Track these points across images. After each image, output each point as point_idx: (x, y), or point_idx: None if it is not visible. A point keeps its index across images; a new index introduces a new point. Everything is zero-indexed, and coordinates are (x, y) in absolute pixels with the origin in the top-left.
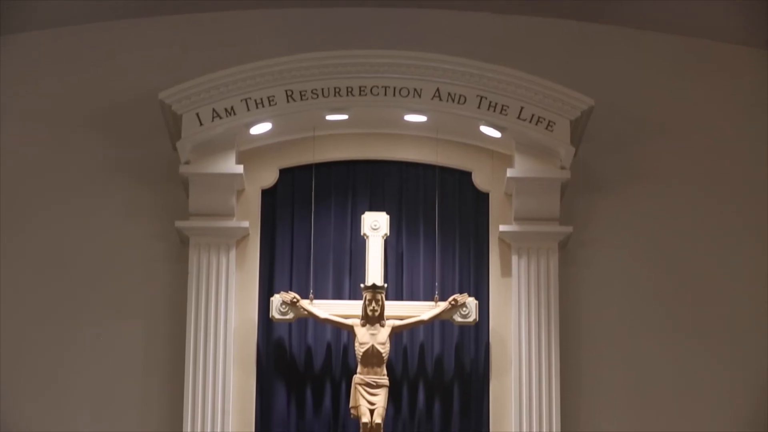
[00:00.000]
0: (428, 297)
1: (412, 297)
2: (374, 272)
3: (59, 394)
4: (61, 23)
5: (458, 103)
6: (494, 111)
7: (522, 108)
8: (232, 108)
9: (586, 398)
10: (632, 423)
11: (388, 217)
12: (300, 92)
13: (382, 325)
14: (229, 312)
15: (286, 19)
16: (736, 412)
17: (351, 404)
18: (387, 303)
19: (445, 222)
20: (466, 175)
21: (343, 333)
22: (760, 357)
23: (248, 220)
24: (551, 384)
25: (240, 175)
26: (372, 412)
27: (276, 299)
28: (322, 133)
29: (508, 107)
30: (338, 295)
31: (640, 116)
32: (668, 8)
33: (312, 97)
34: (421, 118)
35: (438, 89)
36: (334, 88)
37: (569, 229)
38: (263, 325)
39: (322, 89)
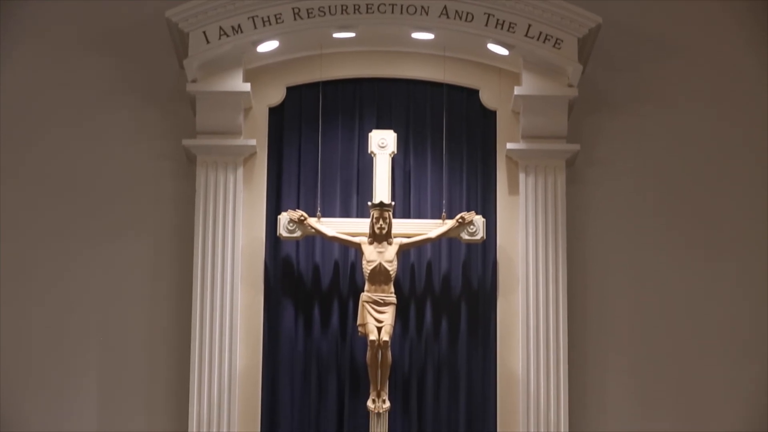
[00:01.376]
0: (435, 215)
1: (420, 215)
2: (381, 190)
3: (65, 311)
4: None
5: (465, 20)
6: (501, 29)
7: (529, 26)
8: (239, 26)
9: (593, 316)
10: (640, 339)
11: (395, 135)
12: (307, 10)
13: (390, 243)
14: (236, 230)
15: None
16: (739, 319)
17: (358, 322)
18: (394, 221)
19: (453, 140)
20: (473, 93)
21: (350, 251)
22: (762, 270)
23: (255, 139)
24: (558, 301)
25: (247, 93)
26: (379, 329)
27: (283, 217)
28: (329, 51)
29: (515, 25)
30: (346, 213)
31: (649, 34)
32: None
33: (319, 15)
34: (428, 36)
35: (445, 7)
36: (341, 6)
37: (576, 147)
38: (270, 243)
39: (329, 7)
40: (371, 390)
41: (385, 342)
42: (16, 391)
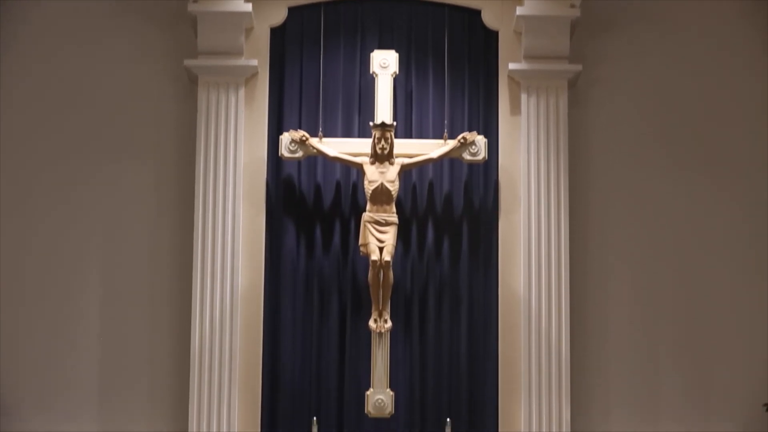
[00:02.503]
0: (437, 135)
1: (421, 135)
2: (383, 110)
3: (66, 234)
4: None
5: None
6: None
7: None
8: None
9: (595, 235)
10: (642, 257)
11: (397, 55)
12: None
13: (392, 163)
14: (238, 150)
15: None
16: (739, 238)
17: (360, 242)
18: (396, 141)
19: (455, 60)
20: (475, 14)
21: (352, 171)
22: (760, 189)
23: (257, 59)
24: (560, 221)
25: (249, 13)
26: (381, 249)
27: (285, 137)
28: None
29: None
30: (347, 134)
31: None
32: None
33: None
34: None
35: None
36: None
37: (578, 67)
38: (272, 164)
39: None
40: (373, 310)
41: (387, 262)
42: (17, 308)
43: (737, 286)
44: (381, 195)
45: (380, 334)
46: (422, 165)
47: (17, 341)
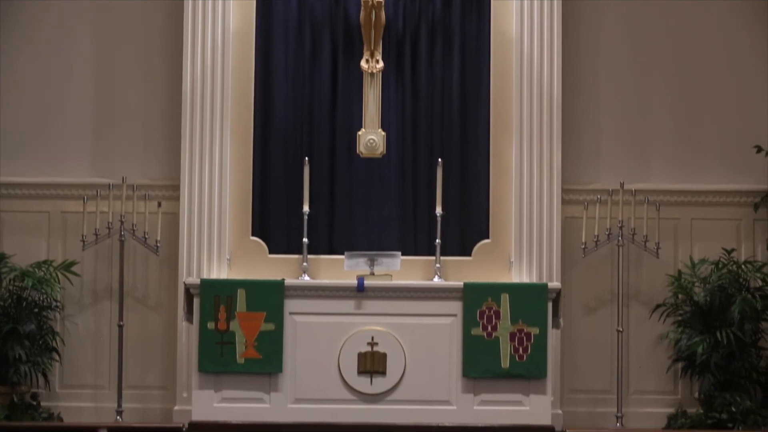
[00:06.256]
0: None
1: None
2: None
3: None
4: None
5: None
6: None
7: None
8: None
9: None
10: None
11: None
12: None
13: None
14: None
15: None
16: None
17: None
18: None
19: None
20: None
21: None
22: None
23: None
24: None
25: None
26: None
27: None
28: None
29: None
30: None
31: None
32: None
33: None
34: None
35: None
36: None
37: None
38: None
39: None
40: (365, 50)
41: (379, 2)
42: (12, 58)
43: (732, 28)
44: None
45: (372, 74)
46: None
47: (11, 90)
